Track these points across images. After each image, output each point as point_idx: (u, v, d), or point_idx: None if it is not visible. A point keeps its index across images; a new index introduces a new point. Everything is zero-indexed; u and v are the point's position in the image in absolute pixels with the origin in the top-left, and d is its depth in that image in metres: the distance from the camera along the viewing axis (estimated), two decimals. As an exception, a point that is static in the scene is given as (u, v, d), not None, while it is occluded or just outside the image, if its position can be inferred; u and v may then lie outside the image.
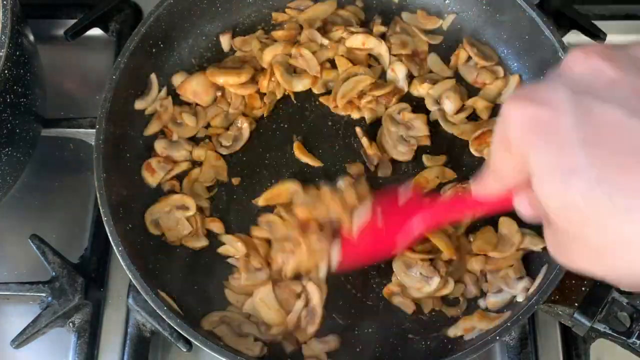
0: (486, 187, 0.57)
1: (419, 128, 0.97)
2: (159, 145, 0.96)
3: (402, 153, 0.95)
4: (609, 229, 0.41)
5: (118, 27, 1.11)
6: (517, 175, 0.50)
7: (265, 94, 1.00)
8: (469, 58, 1.01)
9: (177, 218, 0.92)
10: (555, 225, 0.47)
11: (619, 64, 0.44)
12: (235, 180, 0.96)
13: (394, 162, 0.96)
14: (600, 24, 1.07)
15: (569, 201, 0.42)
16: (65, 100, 1.08)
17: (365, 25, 1.05)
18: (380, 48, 1.00)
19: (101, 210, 0.84)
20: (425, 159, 0.96)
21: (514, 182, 0.52)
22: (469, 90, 1.01)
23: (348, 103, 0.99)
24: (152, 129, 0.98)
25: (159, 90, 0.99)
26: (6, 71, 0.81)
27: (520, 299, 0.85)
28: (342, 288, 0.90)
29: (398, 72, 1.00)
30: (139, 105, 0.97)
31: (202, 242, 0.92)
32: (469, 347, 0.79)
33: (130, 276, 0.81)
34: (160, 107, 0.98)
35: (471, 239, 0.90)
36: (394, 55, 1.02)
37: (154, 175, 0.94)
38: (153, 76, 0.99)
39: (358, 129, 0.98)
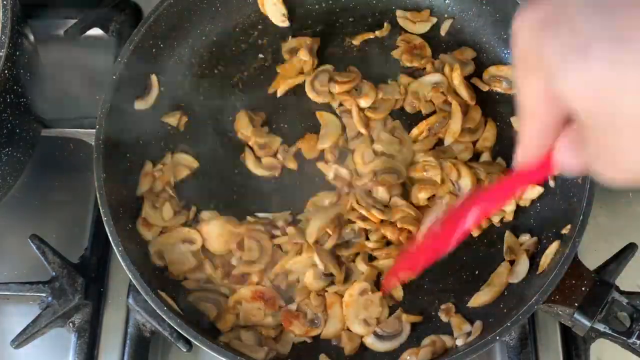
0: (528, 144, 0.54)
1: None
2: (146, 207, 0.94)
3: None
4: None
5: (118, 27, 1.11)
6: (548, 106, 0.48)
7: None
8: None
9: (182, 252, 0.91)
10: (587, 130, 0.45)
11: None
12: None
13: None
14: (600, 23, 1.07)
15: (593, 76, 0.41)
16: (65, 100, 1.08)
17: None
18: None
19: (101, 210, 0.84)
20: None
21: (548, 117, 0.50)
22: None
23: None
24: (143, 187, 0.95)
25: (159, 91, 0.99)
26: (6, 71, 0.81)
27: (459, 343, 0.85)
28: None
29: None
30: (139, 105, 0.97)
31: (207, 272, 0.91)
32: (468, 347, 0.79)
33: (130, 276, 0.81)
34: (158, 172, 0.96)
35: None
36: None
37: (150, 230, 0.92)
38: (154, 77, 0.99)
39: None
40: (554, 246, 0.85)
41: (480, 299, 0.88)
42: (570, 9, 0.43)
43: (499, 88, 1.01)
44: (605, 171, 0.47)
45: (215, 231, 0.91)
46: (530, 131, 0.53)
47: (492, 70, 1.01)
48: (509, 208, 0.92)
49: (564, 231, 0.85)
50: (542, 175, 0.60)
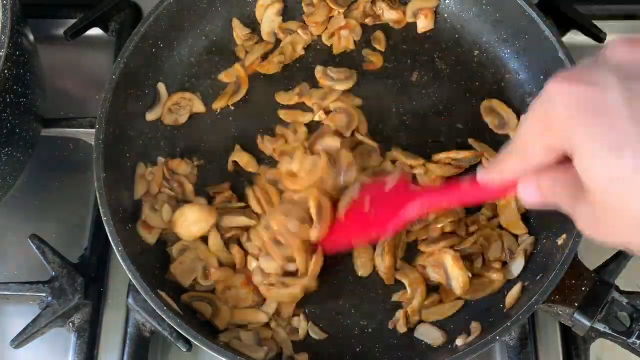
0: (504, 169, 0.58)
1: None
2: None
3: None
4: None
5: (118, 27, 1.11)
6: (547, 155, 0.52)
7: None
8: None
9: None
10: (594, 202, 0.49)
11: None
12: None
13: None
14: (600, 24, 1.07)
15: (620, 174, 0.45)
16: (65, 100, 1.08)
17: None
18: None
19: (101, 210, 0.84)
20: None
21: (540, 163, 0.53)
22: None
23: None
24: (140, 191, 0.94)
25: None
26: (6, 71, 0.81)
27: (459, 343, 0.84)
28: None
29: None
30: (150, 117, 0.98)
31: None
32: (468, 347, 0.79)
33: (130, 276, 0.81)
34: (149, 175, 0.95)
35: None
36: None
37: (151, 232, 0.91)
38: (161, 86, 0.99)
39: None
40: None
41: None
42: (612, 99, 0.46)
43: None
44: (595, 233, 0.52)
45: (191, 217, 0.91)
46: (516, 165, 0.57)
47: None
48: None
49: (562, 236, 0.84)
50: (495, 197, 0.61)
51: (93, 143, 0.88)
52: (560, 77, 0.49)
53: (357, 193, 0.84)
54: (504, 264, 0.89)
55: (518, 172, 0.57)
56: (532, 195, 0.57)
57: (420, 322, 0.88)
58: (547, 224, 0.89)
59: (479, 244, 0.89)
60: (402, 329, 0.87)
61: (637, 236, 0.48)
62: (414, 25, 1.06)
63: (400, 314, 0.87)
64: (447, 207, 0.74)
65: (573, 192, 0.51)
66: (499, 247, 0.89)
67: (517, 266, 0.88)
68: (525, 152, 0.54)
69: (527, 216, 0.92)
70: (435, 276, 0.88)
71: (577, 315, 0.82)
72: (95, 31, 1.10)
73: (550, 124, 0.50)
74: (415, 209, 0.73)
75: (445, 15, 1.06)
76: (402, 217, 0.74)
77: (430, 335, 0.87)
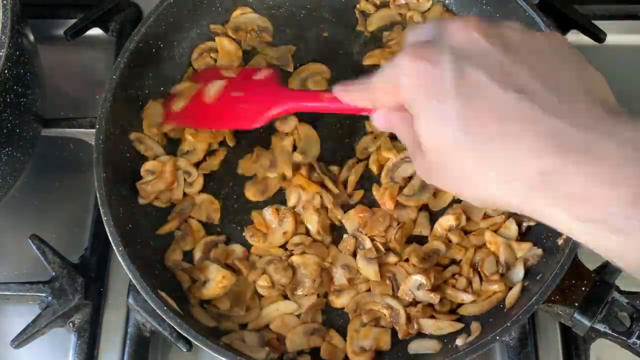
0: (355, 100, 0.69)
1: None
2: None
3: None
4: (468, 164, 0.56)
5: (118, 27, 1.11)
6: (393, 105, 0.63)
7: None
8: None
9: None
10: (427, 156, 0.60)
11: (491, 39, 0.56)
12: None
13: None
14: (600, 24, 1.07)
15: (442, 140, 0.56)
16: (65, 100, 1.08)
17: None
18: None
19: (101, 210, 0.84)
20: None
21: (388, 107, 0.65)
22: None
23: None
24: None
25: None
26: (6, 71, 0.81)
27: (459, 343, 0.84)
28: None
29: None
30: None
31: None
32: (469, 347, 0.79)
33: (130, 276, 0.81)
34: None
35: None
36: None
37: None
38: None
39: None
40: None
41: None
42: (444, 76, 0.55)
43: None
44: (427, 179, 0.64)
45: None
46: (367, 103, 0.67)
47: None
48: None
49: (562, 236, 0.84)
50: (351, 111, 0.72)
51: (93, 143, 0.88)
52: (410, 50, 0.57)
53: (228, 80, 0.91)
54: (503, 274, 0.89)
55: (368, 107, 0.68)
56: (381, 123, 0.68)
57: (413, 338, 0.87)
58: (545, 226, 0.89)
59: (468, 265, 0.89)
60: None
61: (461, 189, 0.60)
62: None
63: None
64: (310, 109, 0.81)
65: (413, 137, 0.61)
66: (493, 262, 0.89)
67: (517, 274, 0.87)
68: (375, 99, 0.65)
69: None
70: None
71: (577, 315, 0.82)
72: (95, 31, 1.10)
73: (397, 88, 0.59)
74: (280, 105, 0.81)
75: (445, 16, 1.06)
76: (266, 112, 0.82)
77: (426, 346, 0.86)
